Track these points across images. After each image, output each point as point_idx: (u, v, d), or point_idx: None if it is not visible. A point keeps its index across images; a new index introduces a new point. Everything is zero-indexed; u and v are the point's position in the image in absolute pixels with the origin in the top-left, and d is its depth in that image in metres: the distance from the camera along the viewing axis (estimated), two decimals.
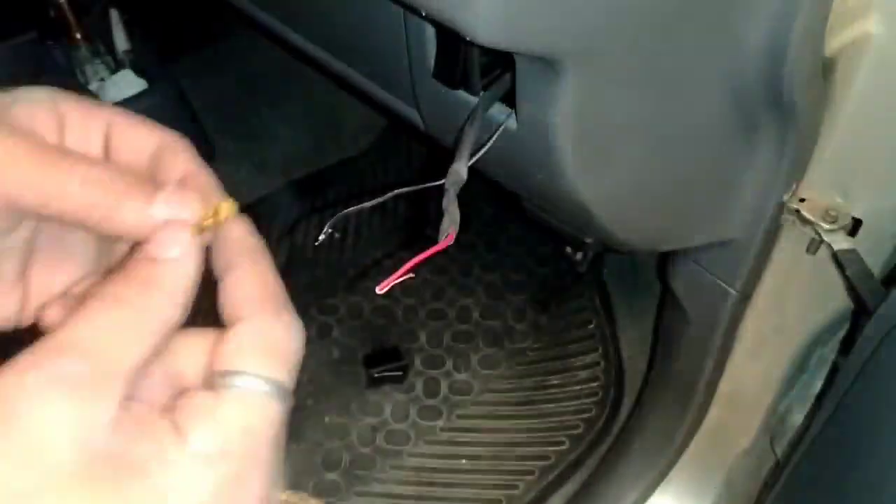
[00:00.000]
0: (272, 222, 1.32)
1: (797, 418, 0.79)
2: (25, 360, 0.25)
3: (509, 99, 0.48)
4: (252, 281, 0.30)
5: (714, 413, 0.84)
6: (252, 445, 0.27)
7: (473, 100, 0.50)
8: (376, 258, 1.26)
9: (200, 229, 0.29)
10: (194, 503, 0.26)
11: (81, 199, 0.28)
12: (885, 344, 0.51)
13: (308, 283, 1.23)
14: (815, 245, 0.66)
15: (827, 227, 0.62)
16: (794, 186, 0.62)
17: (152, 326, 0.27)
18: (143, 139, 0.32)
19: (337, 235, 1.31)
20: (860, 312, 0.70)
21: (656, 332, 0.98)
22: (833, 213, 0.62)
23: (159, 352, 0.27)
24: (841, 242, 0.62)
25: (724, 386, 0.81)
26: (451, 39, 0.49)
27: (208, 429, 0.27)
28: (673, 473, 0.88)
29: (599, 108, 0.47)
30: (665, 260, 0.78)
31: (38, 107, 0.30)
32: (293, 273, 1.24)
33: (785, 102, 0.54)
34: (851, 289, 0.65)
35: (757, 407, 0.81)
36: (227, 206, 0.31)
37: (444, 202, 0.42)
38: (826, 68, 0.56)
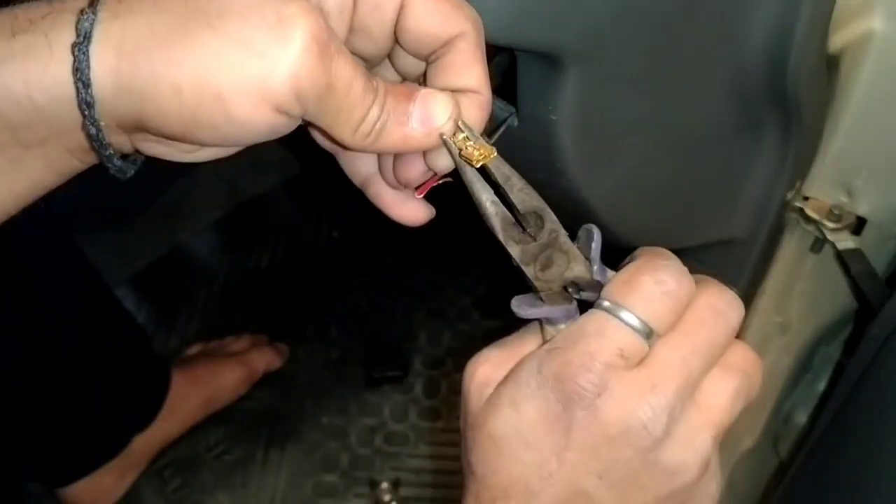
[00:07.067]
0: (271, 222, 1.31)
1: (801, 418, 0.79)
2: None
3: (511, 96, 0.48)
4: None
5: None
6: None
7: None
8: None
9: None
10: None
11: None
12: (889, 343, 0.50)
13: (307, 282, 1.22)
14: (818, 244, 0.65)
15: (831, 225, 0.62)
16: (798, 185, 0.61)
17: None
18: (435, 24, 0.34)
19: (335, 235, 1.30)
20: (864, 312, 0.69)
21: None
22: (837, 212, 0.62)
23: None
24: (845, 241, 0.62)
25: None
26: None
27: None
28: None
29: (601, 105, 0.46)
30: None
31: None
32: (292, 273, 1.24)
33: (788, 100, 0.53)
34: (856, 288, 0.65)
35: (760, 407, 0.80)
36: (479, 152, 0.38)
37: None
38: (829, 65, 0.56)
